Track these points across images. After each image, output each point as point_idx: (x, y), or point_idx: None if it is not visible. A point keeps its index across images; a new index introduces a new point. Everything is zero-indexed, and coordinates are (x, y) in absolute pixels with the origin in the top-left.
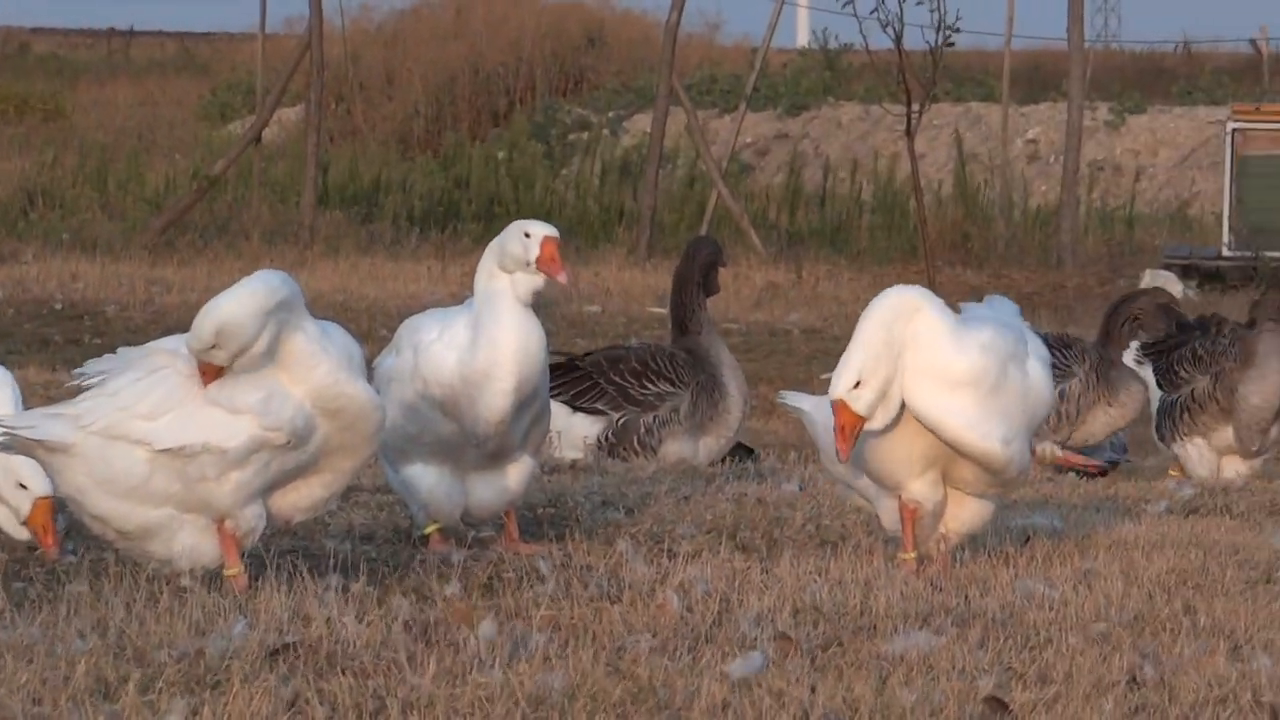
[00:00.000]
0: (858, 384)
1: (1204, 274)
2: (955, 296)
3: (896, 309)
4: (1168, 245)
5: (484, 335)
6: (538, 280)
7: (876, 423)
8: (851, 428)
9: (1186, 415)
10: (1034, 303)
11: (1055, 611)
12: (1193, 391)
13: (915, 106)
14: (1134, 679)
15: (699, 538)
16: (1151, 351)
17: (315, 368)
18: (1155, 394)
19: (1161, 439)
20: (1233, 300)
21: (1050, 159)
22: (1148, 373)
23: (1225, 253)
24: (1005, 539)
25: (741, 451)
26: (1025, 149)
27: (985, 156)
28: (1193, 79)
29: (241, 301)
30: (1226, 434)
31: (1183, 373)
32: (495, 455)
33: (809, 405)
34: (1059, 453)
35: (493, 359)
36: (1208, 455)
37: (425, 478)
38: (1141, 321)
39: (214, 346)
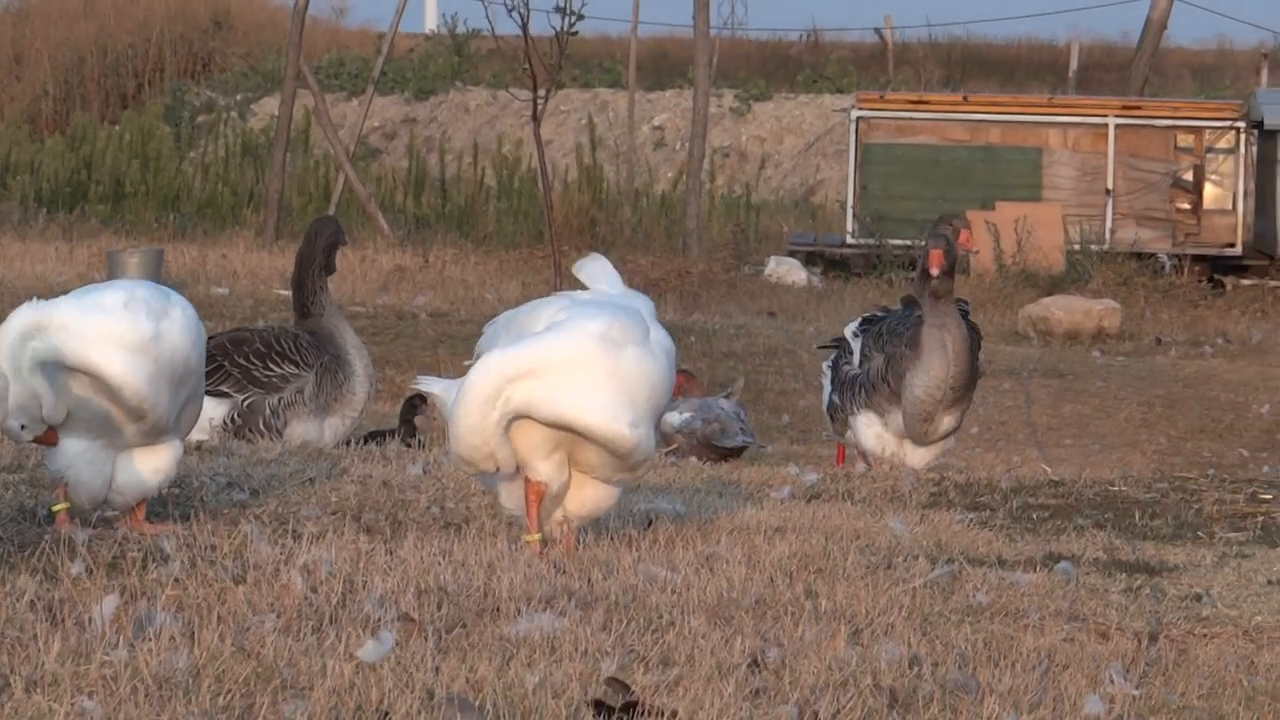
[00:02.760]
0: None
1: (829, 261)
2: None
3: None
4: (793, 232)
5: None
6: None
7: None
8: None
9: (863, 392)
10: (660, 288)
11: (678, 594)
12: (869, 369)
13: (541, 92)
14: (755, 662)
15: (324, 519)
16: (866, 326)
17: None
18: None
19: (838, 412)
20: (856, 287)
21: (676, 146)
22: (858, 346)
23: (849, 240)
24: (628, 522)
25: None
26: (652, 135)
27: (612, 143)
28: (818, 67)
29: None
30: (898, 417)
31: (870, 349)
32: (151, 433)
33: (440, 389)
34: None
35: None
36: (883, 435)
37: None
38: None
39: None
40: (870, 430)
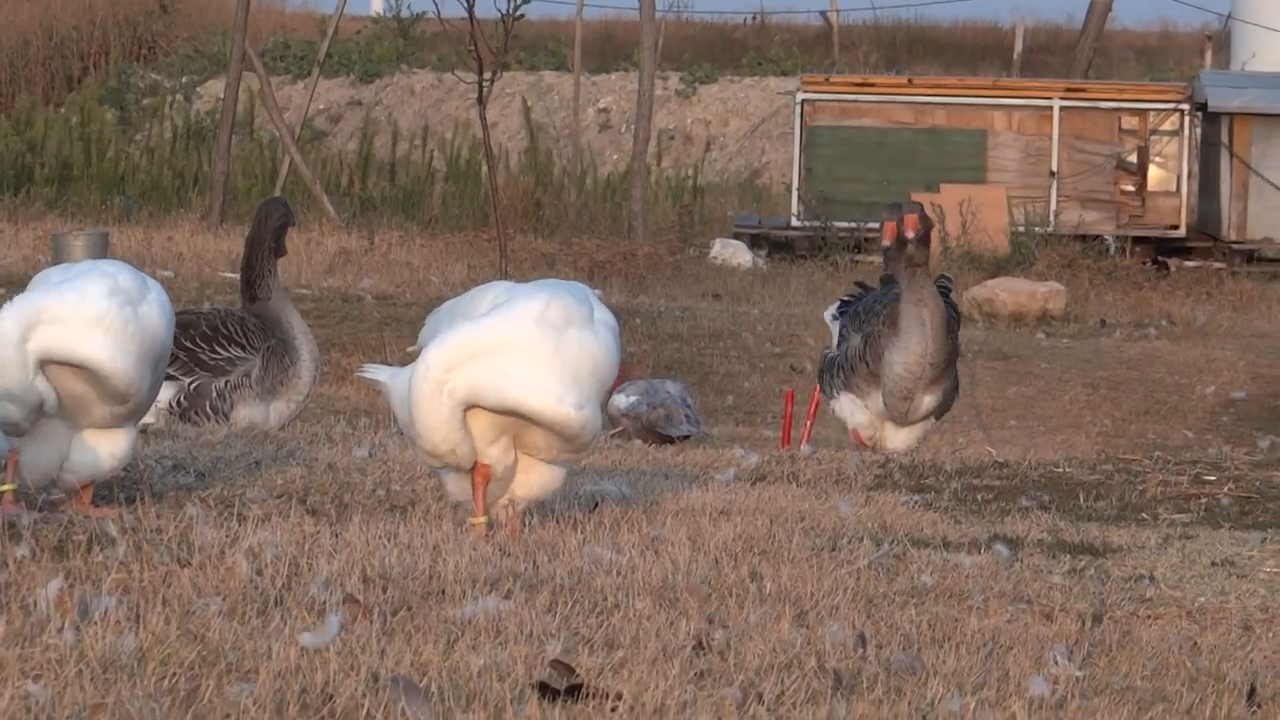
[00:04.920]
0: None
1: (774, 243)
2: (528, 264)
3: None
4: (738, 215)
5: None
6: None
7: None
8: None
9: (841, 374)
10: (606, 271)
11: (623, 577)
12: (847, 350)
13: (487, 75)
14: (700, 644)
15: (269, 502)
16: (844, 308)
17: None
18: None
19: (826, 395)
20: (802, 269)
21: (622, 128)
22: (836, 329)
23: (794, 222)
24: (574, 505)
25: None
26: (597, 118)
27: (557, 125)
28: (763, 50)
29: None
30: (879, 397)
31: (849, 330)
32: (127, 417)
33: (385, 376)
34: None
35: None
36: (862, 414)
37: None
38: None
39: None
40: (852, 412)
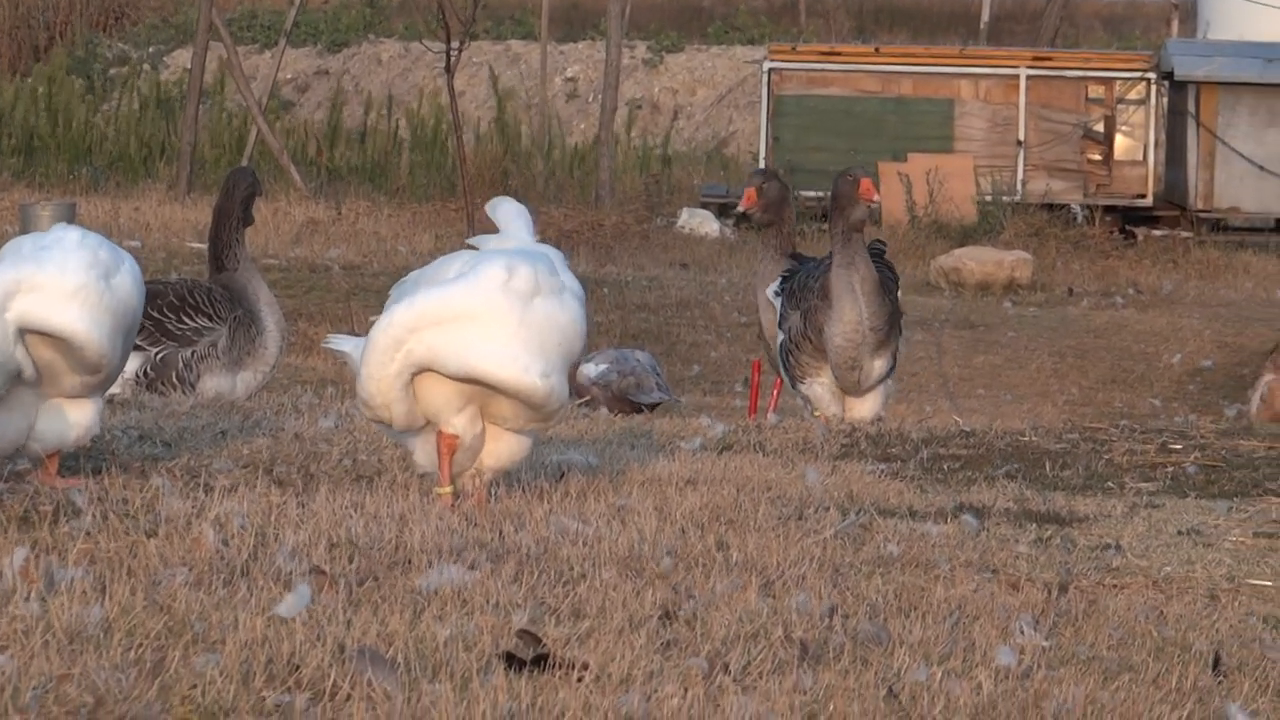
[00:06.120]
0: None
1: (741, 213)
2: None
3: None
4: (705, 184)
5: None
6: None
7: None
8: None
9: (790, 358)
10: (574, 240)
11: (589, 547)
12: (790, 330)
13: (454, 44)
14: (667, 614)
15: (235, 472)
16: (784, 284)
17: None
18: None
19: (789, 382)
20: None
21: (589, 98)
22: (779, 306)
23: None
24: (540, 474)
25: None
26: (564, 87)
27: (525, 95)
28: (730, 19)
29: None
30: (830, 372)
31: (787, 309)
32: (97, 388)
33: (350, 347)
34: None
35: None
36: (825, 393)
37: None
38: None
39: None
40: (818, 395)
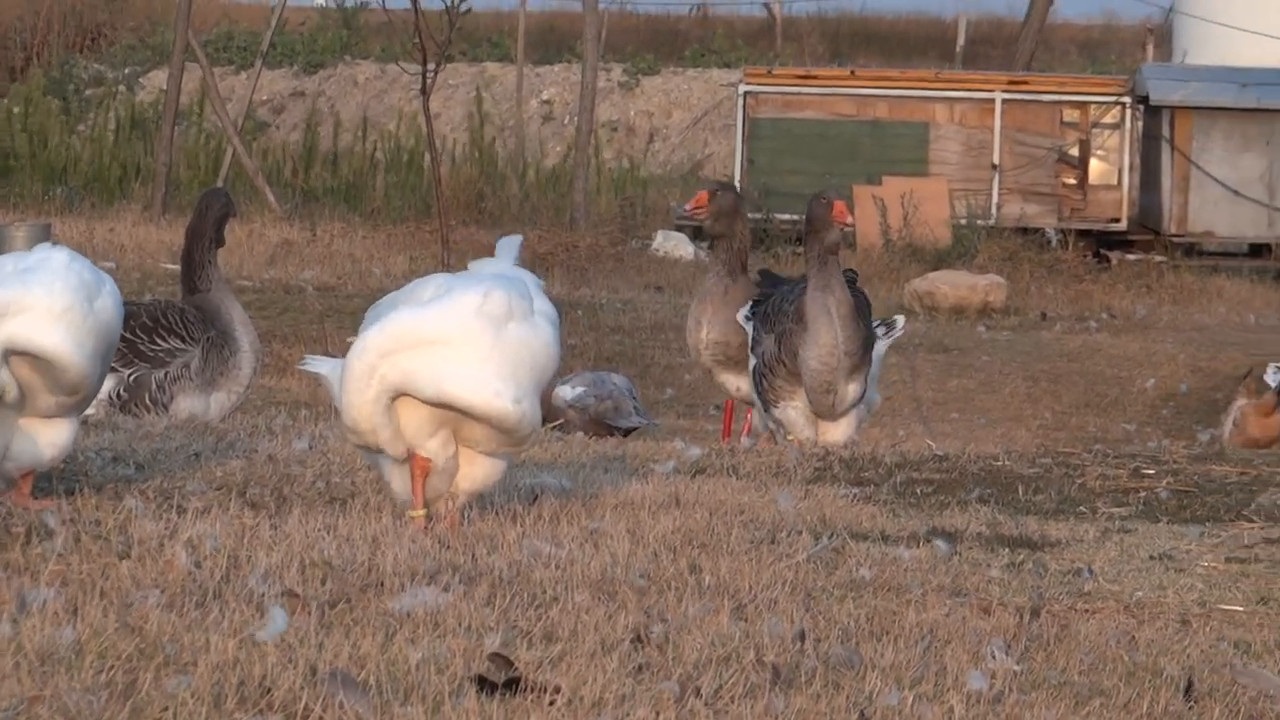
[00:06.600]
0: None
1: (691, 220)
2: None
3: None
4: (680, 206)
5: None
6: None
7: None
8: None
9: (764, 381)
10: (548, 262)
11: (562, 570)
12: (763, 354)
13: (430, 66)
14: (639, 637)
15: (209, 494)
16: (755, 308)
17: None
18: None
19: (762, 408)
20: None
21: (565, 120)
22: (750, 330)
23: None
24: (514, 497)
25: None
26: (540, 109)
27: (500, 117)
28: (706, 42)
29: None
30: (805, 395)
31: (760, 333)
32: (74, 408)
33: (326, 369)
34: None
35: None
36: (799, 418)
37: None
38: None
39: None
40: (792, 420)
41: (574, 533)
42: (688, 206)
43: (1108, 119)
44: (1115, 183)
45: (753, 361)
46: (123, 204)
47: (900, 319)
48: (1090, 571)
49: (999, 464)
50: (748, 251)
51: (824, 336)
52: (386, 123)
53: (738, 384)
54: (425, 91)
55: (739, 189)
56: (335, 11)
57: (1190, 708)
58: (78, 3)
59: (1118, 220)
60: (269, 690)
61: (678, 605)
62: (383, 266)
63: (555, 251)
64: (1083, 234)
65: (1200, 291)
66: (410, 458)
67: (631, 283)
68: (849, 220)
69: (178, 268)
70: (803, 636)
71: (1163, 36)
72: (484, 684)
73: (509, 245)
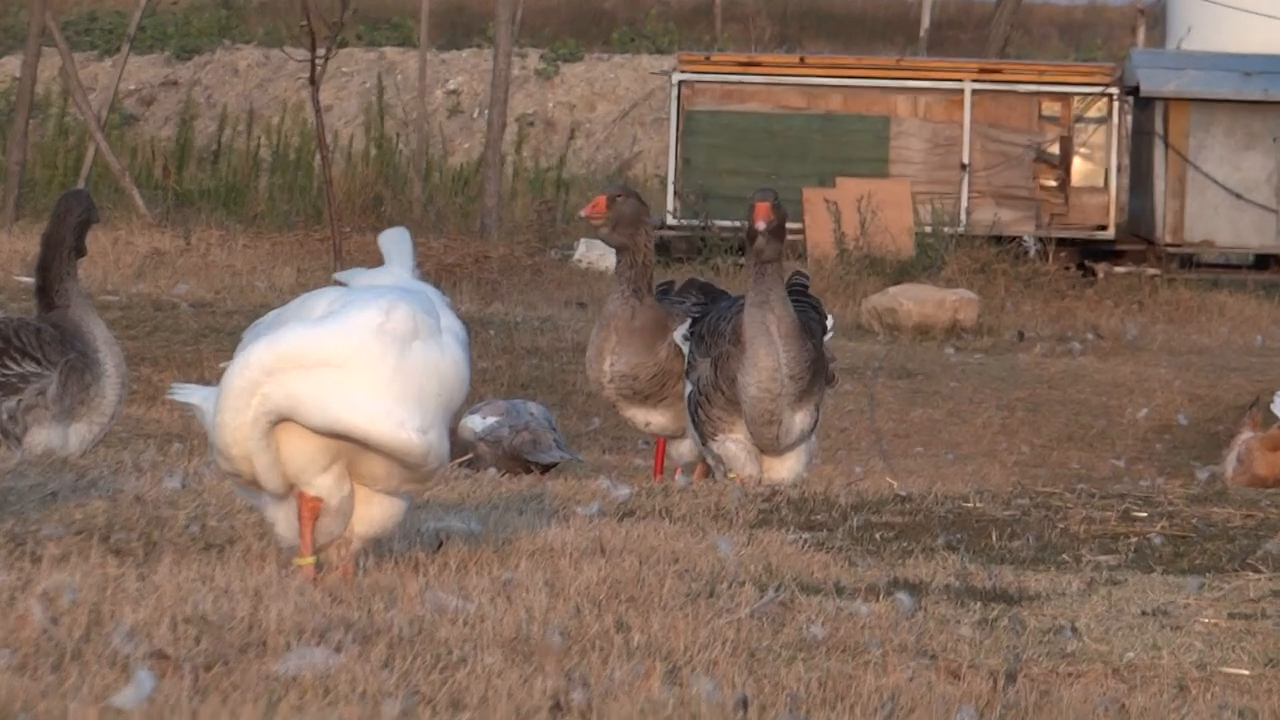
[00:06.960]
0: None
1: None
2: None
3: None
4: None
5: None
6: None
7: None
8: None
9: (701, 412)
10: (456, 275)
11: (470, 627)
12: (699, 380)
13: (320, 51)
14: (558, 704)
15: (67, 539)
16: (693, 327)
17: None
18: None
19: (699, 440)
20: (679, 274)
21: (474, 113)
22: (688, 351)
23: (670, 221)
24: (416, 543)
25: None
26: (446, 101)
27: (401, 109)
28: (637, 24)
29: None
30: (745, 427)
31: (695, 356)
32: None
33: (199, 398)
34: None
35: None
36: (740, 452)
37: None
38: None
39: None
40: (734, 455)
41: (484, 584)
42: (584, 211)
43: (1092, 112)
44: (1101, 185)
45: (688, 388)
46: None
47: (828, 319)
48: (1074, 629)
49: (970, 505)
50: (651, 267)
51: (764, 359)
52: (271, 116)
53: (647, 419)
54: (314, 80)
55: (640, 195)
56: None
57: None
58: None
59: (1104, 228)
60: None
61: (602, 668)
62: (267, 279)
63: (464, 263)
64: (1064, 243)
65: (1199, 309)
66: (298, 497)
67: (551, 298)
68: (761, 224)
69: (32, 280)
70: (745, 704)
71: (1155, 19)
72: None
73: (398, 242)
